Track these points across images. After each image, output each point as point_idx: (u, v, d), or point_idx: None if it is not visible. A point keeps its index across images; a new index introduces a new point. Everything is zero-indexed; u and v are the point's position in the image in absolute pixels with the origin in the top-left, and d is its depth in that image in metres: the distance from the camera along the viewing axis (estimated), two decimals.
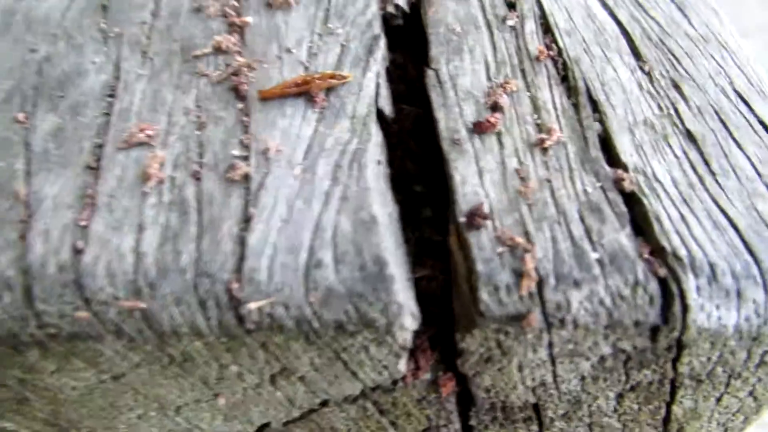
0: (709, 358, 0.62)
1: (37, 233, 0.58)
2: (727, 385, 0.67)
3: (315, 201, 0.61)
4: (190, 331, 0.56)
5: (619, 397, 0.69)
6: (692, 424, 0.74)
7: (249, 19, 0.80)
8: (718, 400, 0.69)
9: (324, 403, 0.68)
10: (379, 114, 0.71)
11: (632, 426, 0.75)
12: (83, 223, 0.59)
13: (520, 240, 0.58)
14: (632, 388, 0.67)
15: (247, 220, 0.59)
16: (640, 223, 0.60)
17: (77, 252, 0.57)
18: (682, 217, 0.60)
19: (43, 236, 0.58)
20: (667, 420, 0.73)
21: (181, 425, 0.71)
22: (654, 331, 0.58)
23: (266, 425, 0.72)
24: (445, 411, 0.70)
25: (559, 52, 0.76)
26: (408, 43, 0.85)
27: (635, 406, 0.70)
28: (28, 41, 0.79)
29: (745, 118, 0.70)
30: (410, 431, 0.74)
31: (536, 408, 0.71)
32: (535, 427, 0.74)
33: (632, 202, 0.61)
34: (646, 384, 0.66)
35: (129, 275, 0.55)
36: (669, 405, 0.70)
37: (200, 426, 0.71)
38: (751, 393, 0.68)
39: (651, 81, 0.73)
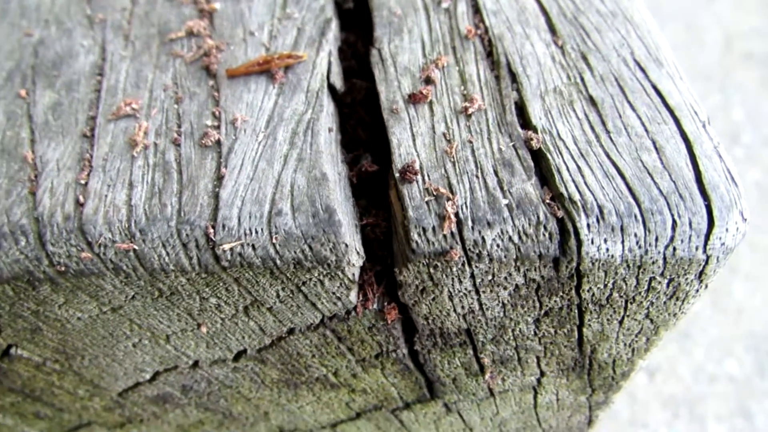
0: (605, 285, 0.75)
1: (44, 190, 0.70)
2: (626, 308, 0.80)
3: (275, 162, 0.73)
4: (175, 268, 0.68)
5: (537, 322, 0.82)
6: (602, 345, 0.88)
7: (217, 5, 0.91)
8: (621, 322, 0.83)
9: (291, 332, 0.81)
10: (332, 88, 0.83)
11: (552, 348, 0.88)
12: (83, 181, 0.71)
13: (444, 190, 0.70)
14: (546, 314, 0.80)
15: (219, 178, 0.71)
16: (544, 174, 0.73)
17: (79, 205, 0.69)
18: (579, 169, 0.73)
19: (50, 192, 0.70)
20: (580, 342, 0.87)
21: (171, 352, 0.84)
22: (556, 263, 0.71)
23: (243, 352, 0.85)
24: (392, 337, 0.83)
25: (486, 30, 0.88)
26: (359, 24, 0.97)
27: (551, 330, 0.84)
28: (23, 26, 0.90)
29: (640, 83, 0.82)
30: (365, 356, 0.87)
31: (469, 333, 0.84)
32: (470, 351, 0.88)
33: (539, 157, 0.74)
34: (557, 309, 0.80)
35: (123, 223, 0.68)
36: (580, 328, 0.84)
37: (186, 353, 0.84)
38: (647, 316, 0.82)
39: (563, 54, 0.85)
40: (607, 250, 0.70)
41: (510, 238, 0.69)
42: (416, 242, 0.69)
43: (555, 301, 0.78)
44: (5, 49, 0.87)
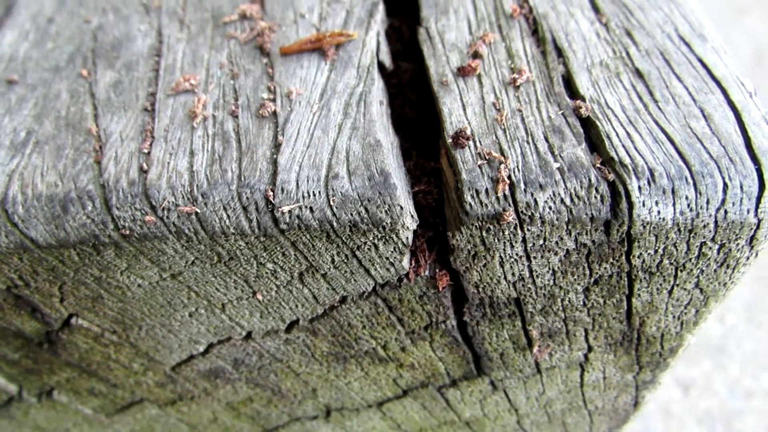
0: (656, 251, 0.76)
1: (109, 158, 0.73)
2: (675, 277, 0.81)
3: (330, 130, 0.75)
4: (235, 231, 0.71)
5: (586, 291, 0.83)
6: (651, 317, 0.88)
7: None
8: (670, 292, 0.83)
9: (343, 300, 0.83)
10: (380, 65, 0.85)
11: (600, 320, 0.89)
12: (146, 150, 0.74)
13: (497, 154, 0.72)
14: (596, 282, 0.81)
15: (277, 146, 0.74)
16: (594, 140, 0.74)
17: (143, 171, 0.72)
18: (628, 135, 0.74)
19: (114, 160, 0.73)
20: (629, 313, 0.88)
21: (225, 322, 0.86)
22: (607, 226, 0.72)
23: (295, 322, 0.87)
24: (442, 307, 0.85)
25: (530, 9, 0.90)
26: (402, 10, 0.99)
27: (601, 300, 0.85)
28: (81, 14, 0.93)
29: (686, 57, 0.83)
30: (414, 327, 0.88)
31: (518, 303, 0.85)
32: (518, 323, 0.89)
33: (588, 124, 0.75)
34: (607, 277, 0.80)
35: (186, 187, 0.70)
36: (629, 298, 0.85)
37: (240, 323, 0.86)
38: (697, 285, 0.82)
39: (607, 30, 0.87)
40: (659, 212, 0.71)
41: (562, 200, 0.70)
42: (470, 204, 0.70)
43: (605, 269, 0.79)
44: (65, 34, 0.91)
